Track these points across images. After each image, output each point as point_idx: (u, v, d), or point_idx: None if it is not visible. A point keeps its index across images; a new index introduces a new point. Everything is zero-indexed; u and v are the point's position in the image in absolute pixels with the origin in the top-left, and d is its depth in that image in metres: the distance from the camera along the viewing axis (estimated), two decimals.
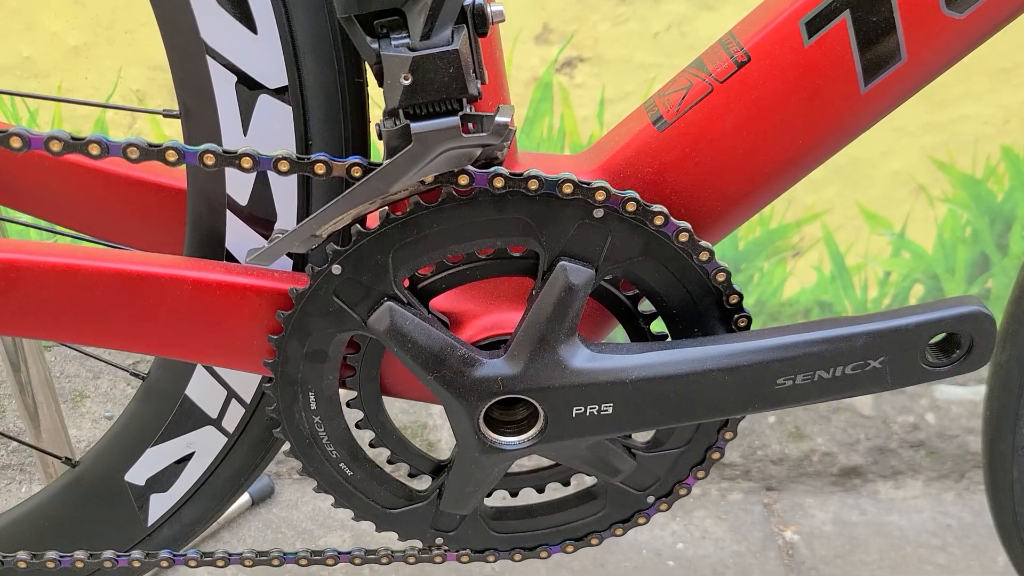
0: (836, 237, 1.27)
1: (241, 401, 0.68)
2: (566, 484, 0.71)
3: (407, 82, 0.49)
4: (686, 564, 1.19)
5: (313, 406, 0.62)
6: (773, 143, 0.58)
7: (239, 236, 0.61)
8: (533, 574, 1.16)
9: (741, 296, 0.59)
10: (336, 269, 0.56)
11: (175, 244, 0.64)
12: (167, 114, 0.59)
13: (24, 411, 0.90)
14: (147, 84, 1.10)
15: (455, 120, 0.50)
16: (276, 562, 0.69)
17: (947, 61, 0.56)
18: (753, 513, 1.27)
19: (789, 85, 0.56)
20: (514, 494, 0.71)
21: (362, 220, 0.55)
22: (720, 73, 0.57)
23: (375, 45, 0.49)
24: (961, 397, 1.34)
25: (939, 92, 1.16)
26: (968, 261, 1.29)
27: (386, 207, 0.55)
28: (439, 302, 0.61)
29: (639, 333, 0.62)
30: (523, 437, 0.61)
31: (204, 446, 0.71)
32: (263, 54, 0.54)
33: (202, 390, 0.68)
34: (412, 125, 0.50)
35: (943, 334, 0.57)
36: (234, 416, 0.69)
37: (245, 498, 1.20)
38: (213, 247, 0.61)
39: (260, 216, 0.60)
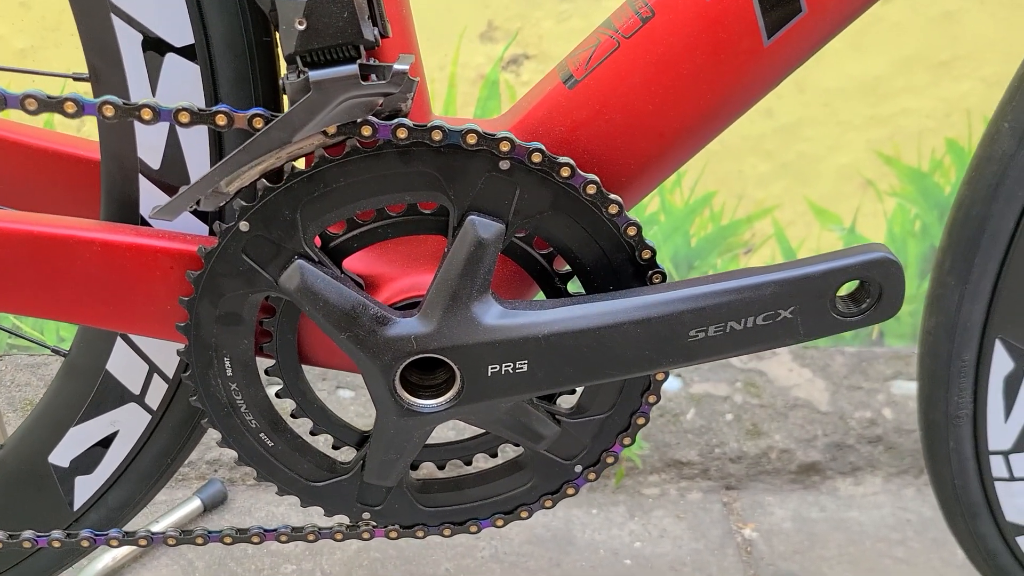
0: (787, 233, 1.28)
1: (164, 376, 0.68)
2: (493, 455, 0.70)
3: (301, 27, 0.49)
4: (643, 562, 1.17)
5: (229, 372, 0.61)
6: (681, 98, 0.58)
7: (153, 201, 0.61)
8: (488, 575, 1.14)
9: (654, 251, 0.59)
10: (244, 226, 0.56)
11: (92, 216, 0.64)
12: (77, 77, 0.59)
13: None
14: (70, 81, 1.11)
15: (353, 68, 0.51)
16: (200, 540, 0.68)
17: (848, 13, 0.57)
18: (712, 512, 1.26)
19: (693, 39, 0.56)
20: (441, 467, 0.70)
21: (272, 177, 0.55)
22: (626, 29, 0.57)
23: None
24: None
25: (881, 85, 1.18)
26: (919, 255, 1.30)
27: (293, 161, 0.55)
28: (355, 265, 0.61)
29: (556, 294, 0.62)
30: (441, 400, 0.61)
31: (128, 424, 0.70)
32: (168, 11, 0.54)
33: (123, 365, 0.67)
34: (311, 73, 0.50)
35: (853, 283, 0.58)
36: (157, 392, 0.68)
37: (196, 504, 1.19)
38: (127, 214, 0.61)
39: (173, 181, 0.60)
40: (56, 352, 0.70)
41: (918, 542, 1.22)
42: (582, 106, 0.59)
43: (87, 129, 1.16)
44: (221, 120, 0.52)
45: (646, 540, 1.21)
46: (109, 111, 0.51)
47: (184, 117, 0.52)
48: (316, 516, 1.22)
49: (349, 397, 1.31)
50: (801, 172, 1.24)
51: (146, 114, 0.51)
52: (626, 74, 0.58)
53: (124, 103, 0.51)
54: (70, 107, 0.51)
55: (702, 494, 1.29)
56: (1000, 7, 1.13)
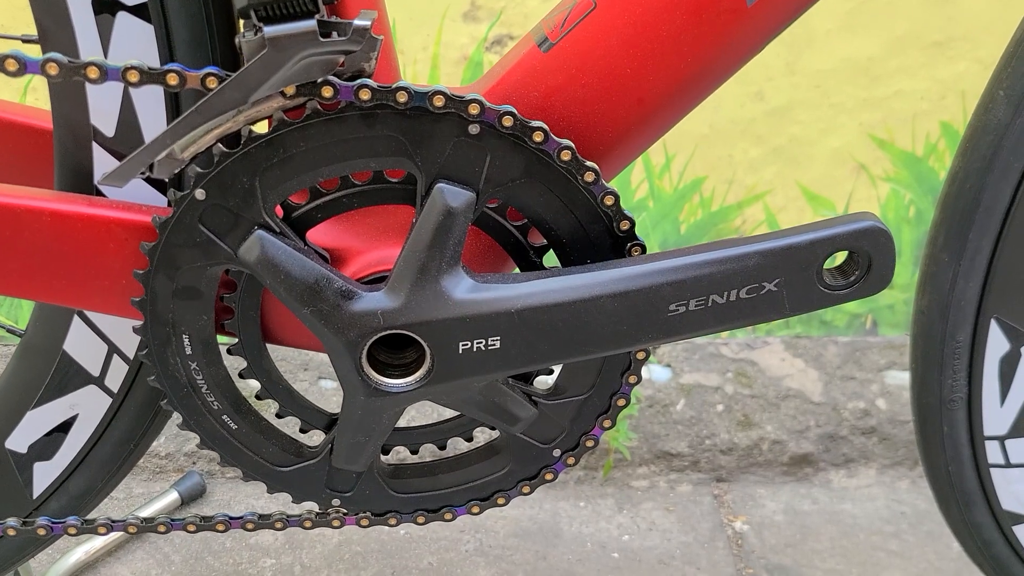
0: (779, 219, 1.25)
1: (124, 357, 0.65)
2: (469, 439, 0.68)
3: None
4: (631, 556, 1.15)
5: (188, 350, 0.58)
6: (660, 62, 0.55)
7: (107, 170, 0.58)
8: (472, 569, 1.12)
9: (633, 222, 0.56)
10: (200, 194, 0.53)
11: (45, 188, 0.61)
12: (26, 39, 0.56)
13: None
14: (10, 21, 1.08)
15: (311, 23, 0.48)
16: (162, 528, 0.65)
17: None
18: (702, 504, 1.24)
19: None
20: (414, 451, 0.68)
21: (229, 143, 0.53)
22: None
23: None
24: None
25: (873, 66, 1.15)
26: (914, 242, 1.27)
27: (250, 125, 0.52)
28: (320, 237, 0.58)
29: (532, 268, 0.59)
30: (410, 379, 0.58)
31: (88, 408, 0.67)
32: None
33: (81, 345, 0.64)
34: (266, 29, 0.48)
35: (841, 254, 0.55)
36: (117, 373, 0.66)
37: (174, 496, 1.16)
38: (81, 184, 0.58)
39: (128, 148, 0.57)
40: (11, 332, 0.67)
41: (912, 535, 1.20)
42: (557, 71, 0.56)
43: (37, 99, 1.13)
44: (172, 79, 0.49)
45: (634, 533, 1.19)
46: (53, 69, 0.48)
47: (133, 76, 0.49)
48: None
49: (332, 388, 1.28)
50: (793, 156, 1.21)
51: (92, 72, 0.49)
52: (602, 36, 0.55)
53: (69, 61, 0.48)
54: (11, 64, 0.48)
55: (692, 486, 1.27)
56: None
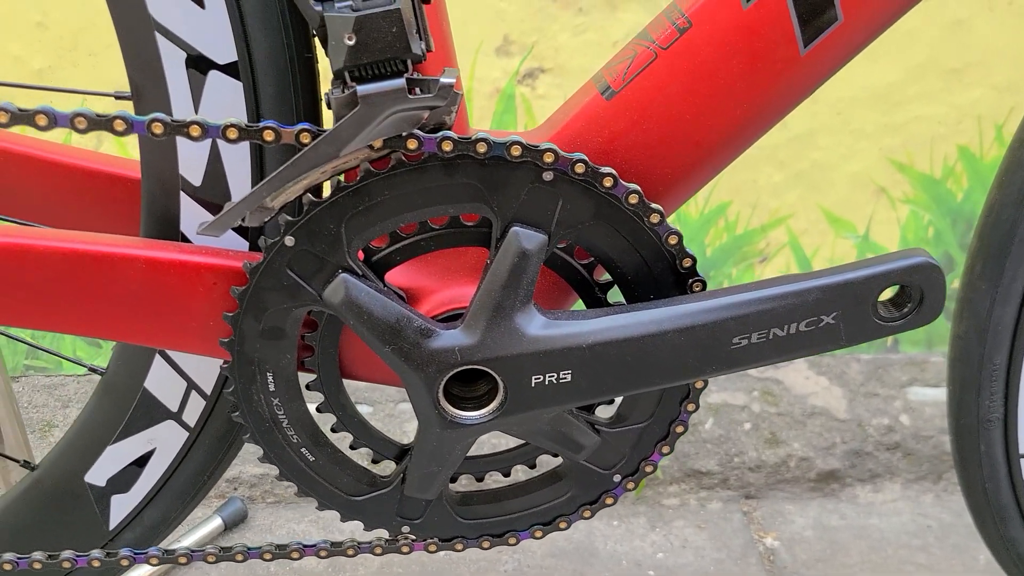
0: (801, 241, 1.28)
1: (201, 393, 0.68)
2: (532, 467, 0.70)
3: (351, 42, 0.49)
4: (666, 573, 1.17)
5: (272, 387, 0.61)
6: (718, 107, 0.59)
7: (193, 218, 0.61)
8: None
9: (694, 260, 0.59)
10: (289, 240, 0.56)
11: (130, 234, 0.64)
12: (119, 96, 0.59)
13: None
14: (112, 105, 1.11)
15: (401, 82, 0.51)
16: (240, 557, 0.68)
17: (883, 21, 0.58)
18: (733, 521, 1.26)
19: (730, 49, 0.57)
20: (480, 479, 0.70)
21: (315, 191, 0.56)
22: (663, 40, 0.58)
23: (318, 7, 0.50)
24: (935, 398, 1.34)
25: (893, 93, 1.19)
26: None
27: (338, 176, 0.55)
28: (396, 278, 0.61)
29: (596, 304, 0.62)
30: (483, 411, 0.61)
31: (165, 442, 0.70)
32: (211, 29, 0.55)
33: (161, 382, 0.67)
34: (358, 88, 0.51)
35: (894, 287, 0.58)
36: (195, 409, 0.68)
37: (218, 522, 1.18)
38: (168, 231, 0.61)
39: (214, 197, 0.60)
40: (93, 371, 0.70)
41: (939, 548, 1.22)
42: (620, 117, 0.59)
43: (106, 146, 1.17)
44: (269, 136, 0.53)
45: (668, 551, 1.21)
46: (158, 128, 0.51)
47: (232, 133, 0.52)
48: (341, 532, 1.21)
49: (367, 412, 1.31)
50: (815, 181, 1.24)
51: (194, 131, 0.52)
52: (664, 84, 0.58)
53: (172, 120, 0.51)
54: (119, 125, 0.51)
55: (722, 504, 1.29)
56: (1010, 15, 1.15)
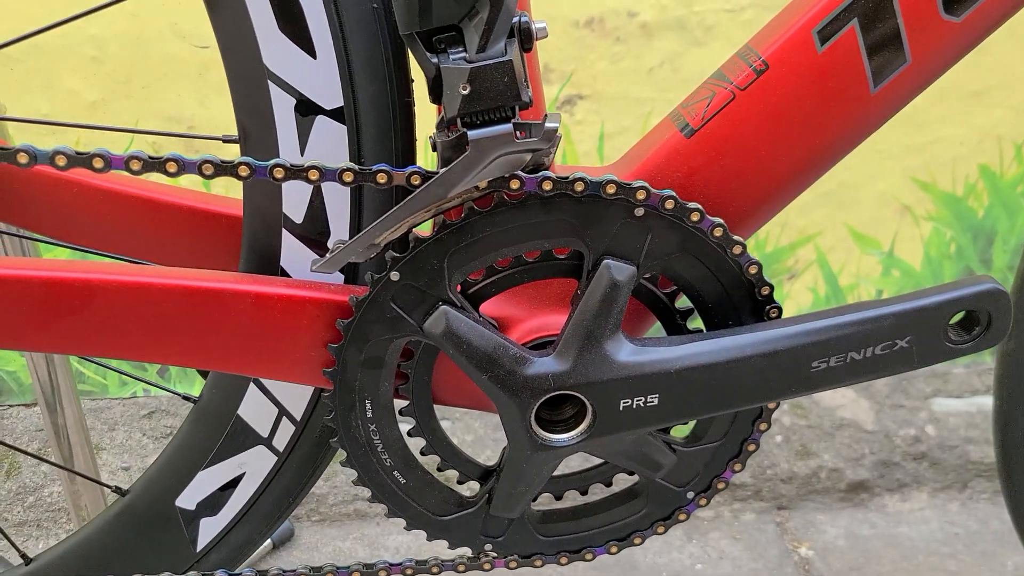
0: (829, 258, 1.32)
1: (291, 418, 0.71)
2: (608, 484, 0.73)
3: (465, 92, 0.53)
4: None
5: (369, 414, 0.64)
6: (792, 144, 0.62)
7: (293, 253, 0.64)
8: None
9: (772, 288, 0.63)
10: (394, 275, 0.59)
11: (228, 269, 0.67)
12: (227, 139, 0.62)
13: (59, 453, 0.91)
14: (164, 138, 1.14)
15: (508, 127, 0.54)
16: (330, 574, 0.71)
17: (949, 61, 0.61)
18: (767, 532, 1.30)
19: (805, 89, 0.61)
20: (559, 497, 0.73)
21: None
22: (741, 81, 0.61)
23: (434, 59, 0.53)
24: (958, 409, 1.38)
25: (917, 115, 1.23)
26: (955, 276, 1.35)
27: (440, 215, 0.58)
28: (487, 309, 0.64)
29: (676, 329, 0.65)
30: (573, 433, 0.64)
31: (254, 466, 0.72)
32: (321, 77, 0.58)
33: (254, 409, 0.70)
34: (469, 133, 0.54)
35: (963, 312, 0.61)
36: (284, 434, 0.71)
37: (266, 541, 1.21)
38: (267, 266, 0.64)
39: (314, 233, 0.63)
40: (186, 399, 0.73)
41: (968, 555, 1.26)
42: (699, 153, 0.62)
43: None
44: (382, 178, 0.56)
45: (706, 562, 1.24)
46: (279, 173, 0.55)
47: (348, 176, 0.55)
48: (386, 549, 1.24)
49: (447, 427, 1.34)
50: (841, 200, 1.28)
51: (313, 175, 0.55)
52: (741, 123, 0.62)
53: (293, 165, 0.55)
54: (243, 170, 0.54)
55: (755, 515, 1.32)
56: None
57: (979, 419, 1.36)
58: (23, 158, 0.52)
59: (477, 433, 1.36)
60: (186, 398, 0.74)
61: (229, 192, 1.10)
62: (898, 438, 1.34)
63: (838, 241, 1.32)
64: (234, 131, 0.61)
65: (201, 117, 1.11)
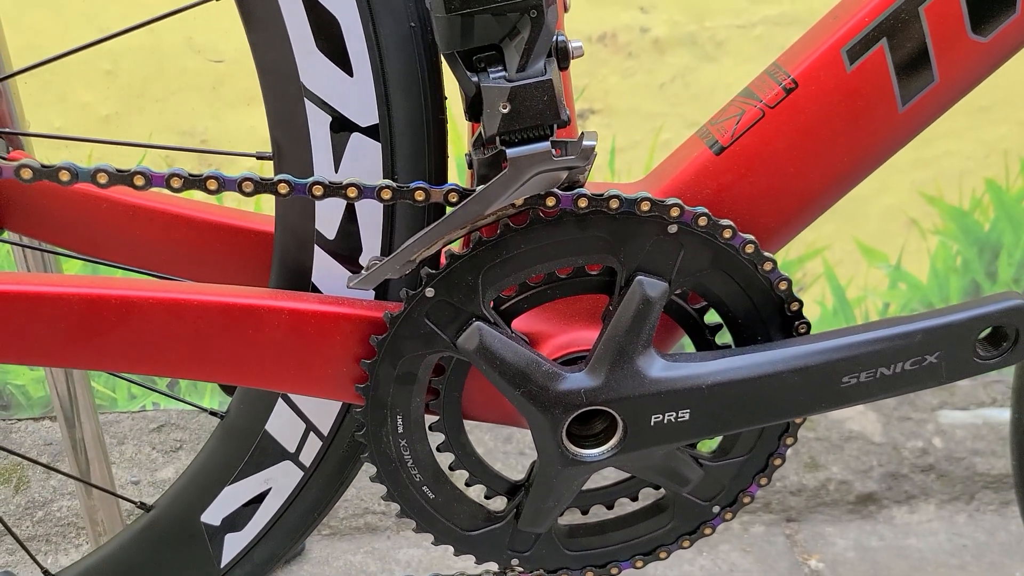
0: (836, 272, 1.33)
1: (319, 434, 0.71)
2: (634, 499, 0.74)
3: (505, 111, 0.53)
4: None
5: (400, 429, 0.64)
6: (820, 161, 0.63)
7: (324, 270, 0.64)
8: None
9: (801, 303, 0.63)
10: (429, 292, 0.59)
11: (258, 284, 0.67)
12: (260, 156, 0.62)
13: (76, 467, 0.90)
14: (175, 153, 1.14)
15: (546, 145, 0.55)
16: None
17: (976, 79, 0.62)
18: (776, 544, 1.30)
19: (834, 108, 0.61)
20: (585, 512, 0.74)
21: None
22: (770, 99, 0.62)
23: (475, 79, 0.53)
24: (964, 421, 1.39)
25: (925, 130, 1.24)
26: (961, 289, 1.36)
27: (474, 231, 0.59)
28: (519, 324, 0.65)
29: (705, 344, 0.66)
30: (603, 448, 0.64)
31: (280, 482, 0.72)
32: (357, 95, 0.58)
33: (282, 424, 0.70)
34: (508, 151, 0.54)
35: (991, 328, 0.62)
36: (311, 449, 0.71)
37: None
38: (298, 281, 0.65)
39: (346, 250, 0.63)
40: (213, 414, 0.73)
41: (977, 566, 1.27)
42: (728, 170, 0.63)
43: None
44: (420, 196, 0.56)
45: (717, 575, 1.24)
46: (318, 191, 0.55)
47: (386, 194, 0.56)
48: (398, 563, 1.24)
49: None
50: (849, 214, 1.29)
51: (352, 192, 0.55)
52: (770, 141, 0.62)
53: (332, 182, 0.55)
54: (283, 188, 0.54)
55: (765, 527, 1.33)
56: None
57: (985, 431, 1.37)
58: (65, 176, 0.52)
59: (488, 446, 1.36)
60: (212, 413, 0.74)
61: (240, 207, 1.10)
62: (906, 450, 1.35)
63: (846, 254, 1.32)
64: (249, 145, 0.61)
65: (214, 131, 1.11)
